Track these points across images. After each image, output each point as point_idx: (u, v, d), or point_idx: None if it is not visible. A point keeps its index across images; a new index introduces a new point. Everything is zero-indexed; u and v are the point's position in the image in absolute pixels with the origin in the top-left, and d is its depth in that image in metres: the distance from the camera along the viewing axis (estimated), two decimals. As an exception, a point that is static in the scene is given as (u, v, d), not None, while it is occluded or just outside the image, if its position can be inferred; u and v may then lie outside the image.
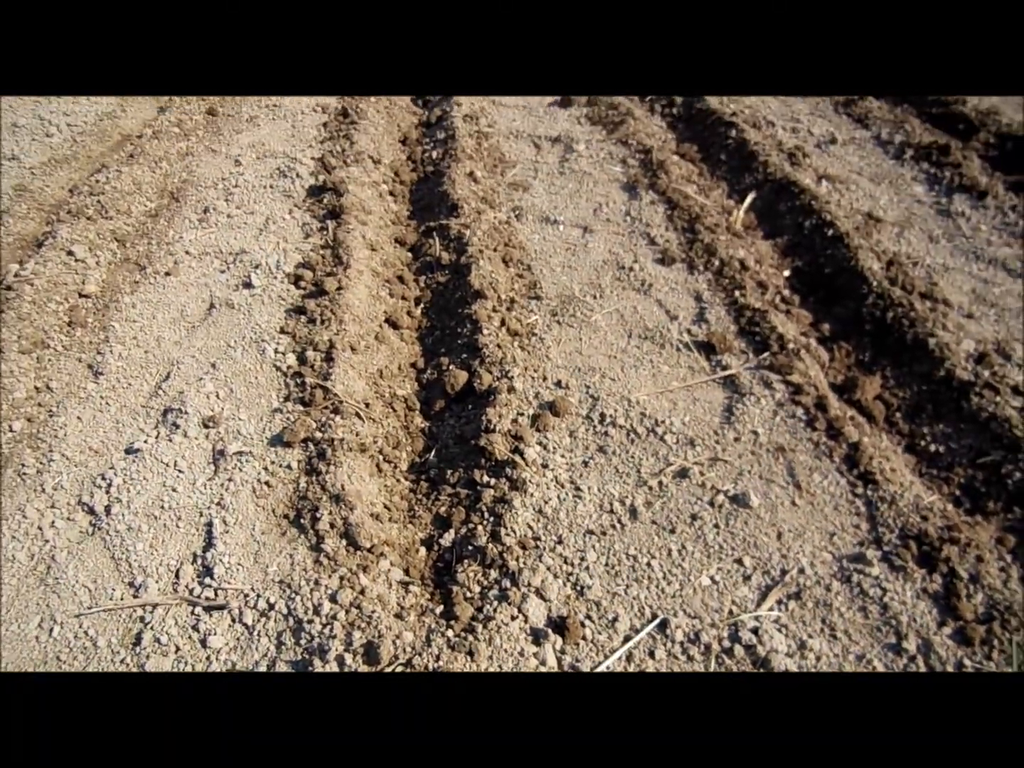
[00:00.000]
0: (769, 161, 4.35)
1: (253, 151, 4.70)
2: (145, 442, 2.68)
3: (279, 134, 4.93)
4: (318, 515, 2.36)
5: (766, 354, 3.03)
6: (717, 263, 3.59)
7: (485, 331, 3.07)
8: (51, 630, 2.13)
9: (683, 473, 2.57)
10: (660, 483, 2.54)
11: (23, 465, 2.61)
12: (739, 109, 5.18)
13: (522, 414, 2.76)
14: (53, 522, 2.43)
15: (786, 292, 3.50)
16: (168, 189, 4.31)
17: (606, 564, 2.29)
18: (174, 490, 2.51)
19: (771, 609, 2.17)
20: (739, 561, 2.30)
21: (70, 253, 3.57)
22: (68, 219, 3.78)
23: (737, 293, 3.38)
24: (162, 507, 2.46)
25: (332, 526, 2.33)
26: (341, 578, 2.20)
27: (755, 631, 2.10)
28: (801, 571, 2.26)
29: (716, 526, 2.40)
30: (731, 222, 3.96)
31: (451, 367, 2.98)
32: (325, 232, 3.83)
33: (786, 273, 3.68)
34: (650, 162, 4.48)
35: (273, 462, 2.59)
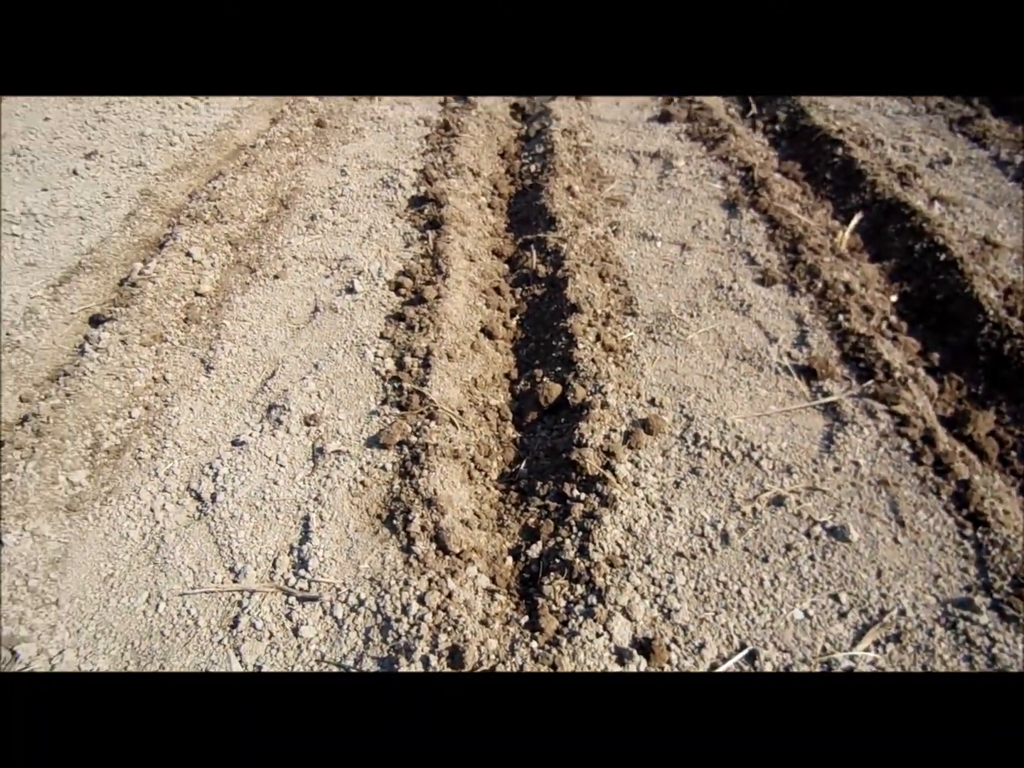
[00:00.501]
0: (877, 181, 4.19)
1: (358, 162, 4.88)
2: (250, 435, 2.81)
3: (383, 146, 5.10)
4: (410, 517, 2.42)
5: (870, 382, 2.91)
6: (820, 285, 3.48)
7: (580, 345, 3.07)
8: (157, 606, 2.26)
9: (779, 501, 2.50)
10: (754, 509, 2.48)
11: (139, 450, 2.79)
12: (846, 127, 5.02)
13: (614, 430, 2.74)
14: (164, 505, 2.58)
15: (893, 318, 3.36)
16: (278, 196, 4.53)
17: (695, 588, 2.25)
18: (275, 483, 2.62)
19: (867, 650, 2.07)
20: (835, 596, 2.21)
21: (188, 254, 3.79)
22: (187, 222, 4.02)
23: (841, 317, 3.26)
24: (263, 498, 2.57)
25: (423, 529, 2.38)
26: (430, 580, 2.24)
27: (849, 672, 2.01)
28: (902, 612, 2.16)
29: (811, 558, 2.32)
30: (835, 243, 3.83)
31: (545, 379, 2.99)
32: (425, 242, 3.93)
33: (893, 298, 3.53)
34: (751, 179, 4.40)
35: (369, 462, 2.67)
